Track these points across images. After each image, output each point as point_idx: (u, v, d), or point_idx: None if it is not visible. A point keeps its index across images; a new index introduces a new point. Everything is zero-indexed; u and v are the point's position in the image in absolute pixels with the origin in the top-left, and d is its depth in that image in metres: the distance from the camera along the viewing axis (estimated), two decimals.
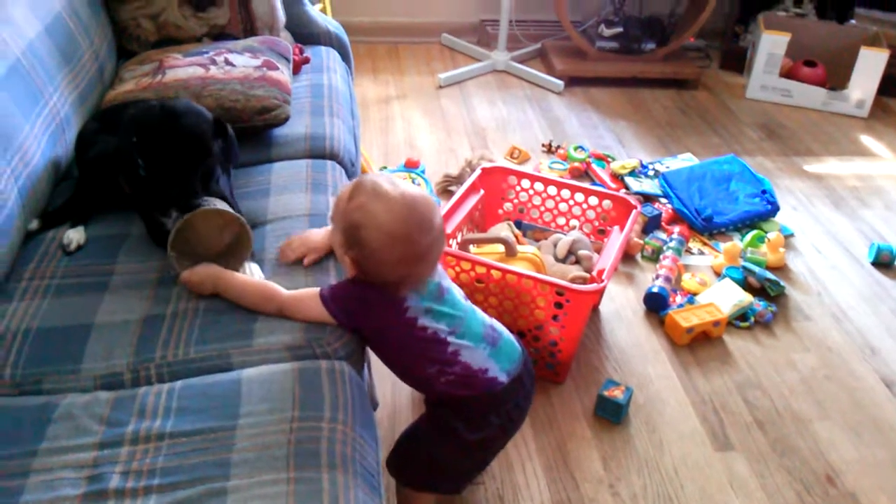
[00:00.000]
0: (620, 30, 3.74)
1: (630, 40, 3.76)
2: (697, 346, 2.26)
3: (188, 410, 1.25)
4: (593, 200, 2.32)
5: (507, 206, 2.42)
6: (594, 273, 1.99)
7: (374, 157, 3.03)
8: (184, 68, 1.97)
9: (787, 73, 3.74)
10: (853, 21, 3.89)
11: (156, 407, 1.26)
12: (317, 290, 1.42)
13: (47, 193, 1.73)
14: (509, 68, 3.81)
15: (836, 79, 3.70)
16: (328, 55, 2.45)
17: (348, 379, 1.32)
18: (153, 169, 1.50)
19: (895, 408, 2.12)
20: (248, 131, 1.91)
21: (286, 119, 1.94)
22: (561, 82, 3.67)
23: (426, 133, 3.28)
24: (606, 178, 2.93)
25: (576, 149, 3.10)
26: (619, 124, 3.47)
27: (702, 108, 3.68)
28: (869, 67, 3.58)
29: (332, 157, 1.94)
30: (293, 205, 1.72)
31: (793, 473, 1.90)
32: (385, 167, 2.94)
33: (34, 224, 1.66)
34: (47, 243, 1.62)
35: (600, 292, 1.92)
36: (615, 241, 2.09)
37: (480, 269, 1.97)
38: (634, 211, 2.19)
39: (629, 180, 2.92)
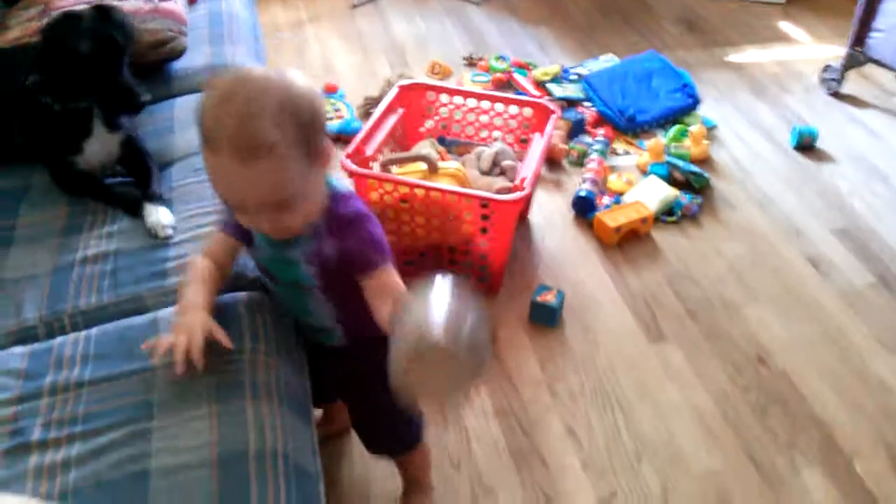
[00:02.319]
0: None
1: None
2: (627, 244, 2.28)
3: (106, 356, 1.23)
4: (514, 109, 2.29)
5: (429, 123, 2.38)
6: (517, 182, 1.98)
7: None
8: (71, 7, 1.87)
9: None
10: None
11: (73, 356, 1.23)
12: (382, 263, 1.14)
13: None
14: None
15: None
16: None
17: (268, 308, 1.30)
18: (69, 91, 1.44)
19: (821, 286, 2.18)
20: (145, 67, 1.83)
21: (183, 51, 1.87)
22: None
23: (343, 55, 3.20)
24: (529, 87, 2.89)
25: (497, 59, 3.05)
26: (540, 30, 3.42)
27: (620, 7, 3.63)
28: None
29: None
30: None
31: (725, 358, 1.96)
32: None
33: None
34: None
35: (524, 200, 1.92)
36: (536, 148, 2.08)
37: (404, 189, 1.95)
38: (553, 116, 2.17)
39: (552, 86, 2.89)
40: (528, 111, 2.27)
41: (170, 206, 1.49)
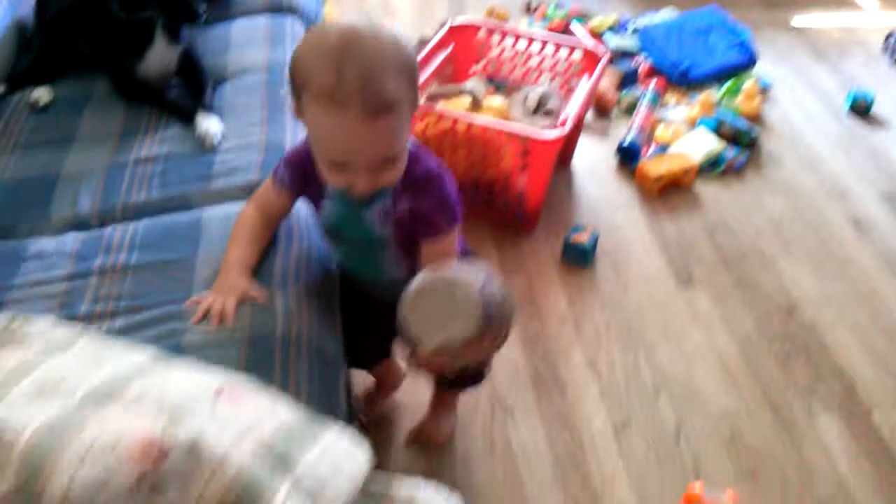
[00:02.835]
0: None
1: None
2: (668, 193, 2.30)
3: (152, 246, 1.32)
4: (563, 53, 2.31)
5: (479, 64, 2.42)
6: (559, 122, 2.01)
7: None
8: None
9: None
10: None
11: (121, 243, 1.33)
12: (447, 230, 1.17)
13: (12, 58, 1.77)
14: None
15: None
16: None
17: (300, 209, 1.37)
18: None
19: (860, 245, 2.18)
20: None
21: None
22: None
23: None
24: (585, 35, 2.90)
25: (556, 6, 3.06)
26: None
27: None
28: None
29: (291, 10, 1.94)
30: (252, 59, 1.75)
31: (753, 307, 1.98)
32: None
33: (0, 88, 1.70)
34: (14, 104, 1.67)
35: (563, 140, 1.95)
36: (582, 91, 2.10)
37: (447, 123, 2.00)
38: (602, 61, 2.19)
39: (608, 36, 2.89)
40: (577, 56, 2.29)
41: (219, 117, 1.58)
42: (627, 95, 2.62)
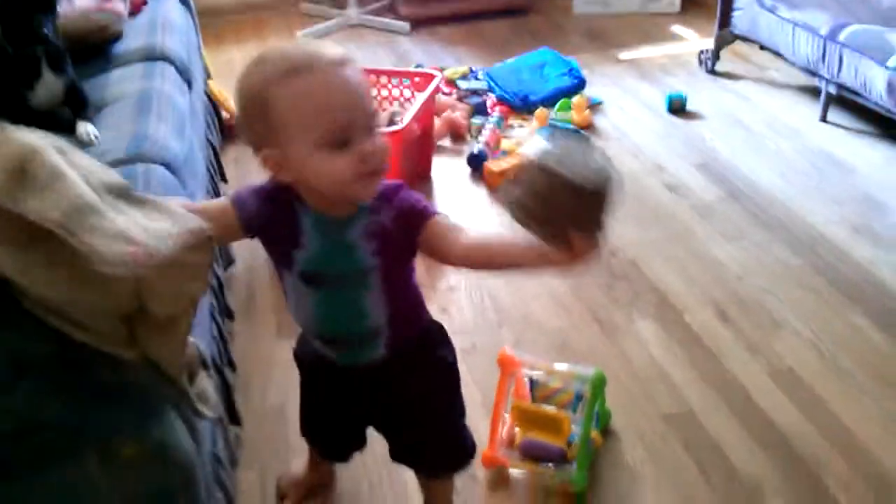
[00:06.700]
0: None
1: None
2: None
3: None
4: (406, 81, 2.76)
5: None
6: None
7: None
8: None
9: None
10: None
11: None
12: (437, 213, 1.19)
13: None
14: (362, 21, 4.24)
15: None
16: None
17: None
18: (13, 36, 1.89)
19: (675, 202, 2.57)
20: (91, 49, 2.29)
21: (120, 34, 2.33)
22: (406, 24, 4.12)
23: None
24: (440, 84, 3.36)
25: (415, 67, 3.53)
26: (459, 49, 3.91)
27: (533, 29, 4.14)
28: None
29: (164, 58, 2.32)
30: (128, 90, 2.10)
31: None
32: None
33: None
34: None
35: (403, 133, 2.34)
36: (418, 101, 2.52)
37: None
38: (435, 80, 2.63)
39: (460, 82, 3.36)
40: (416, 80, 2.74)
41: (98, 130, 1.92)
42: (477, 122, 3.04)
